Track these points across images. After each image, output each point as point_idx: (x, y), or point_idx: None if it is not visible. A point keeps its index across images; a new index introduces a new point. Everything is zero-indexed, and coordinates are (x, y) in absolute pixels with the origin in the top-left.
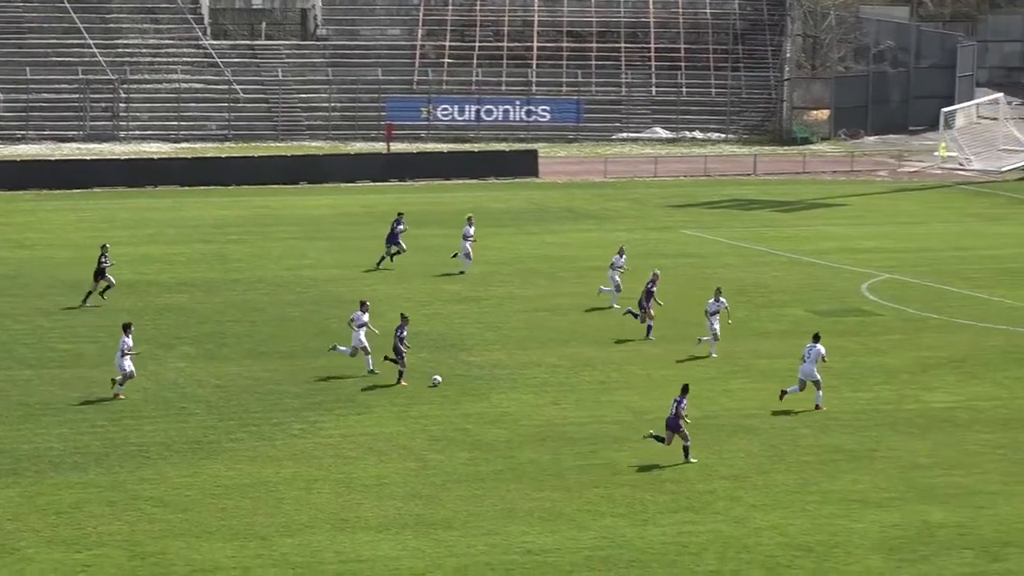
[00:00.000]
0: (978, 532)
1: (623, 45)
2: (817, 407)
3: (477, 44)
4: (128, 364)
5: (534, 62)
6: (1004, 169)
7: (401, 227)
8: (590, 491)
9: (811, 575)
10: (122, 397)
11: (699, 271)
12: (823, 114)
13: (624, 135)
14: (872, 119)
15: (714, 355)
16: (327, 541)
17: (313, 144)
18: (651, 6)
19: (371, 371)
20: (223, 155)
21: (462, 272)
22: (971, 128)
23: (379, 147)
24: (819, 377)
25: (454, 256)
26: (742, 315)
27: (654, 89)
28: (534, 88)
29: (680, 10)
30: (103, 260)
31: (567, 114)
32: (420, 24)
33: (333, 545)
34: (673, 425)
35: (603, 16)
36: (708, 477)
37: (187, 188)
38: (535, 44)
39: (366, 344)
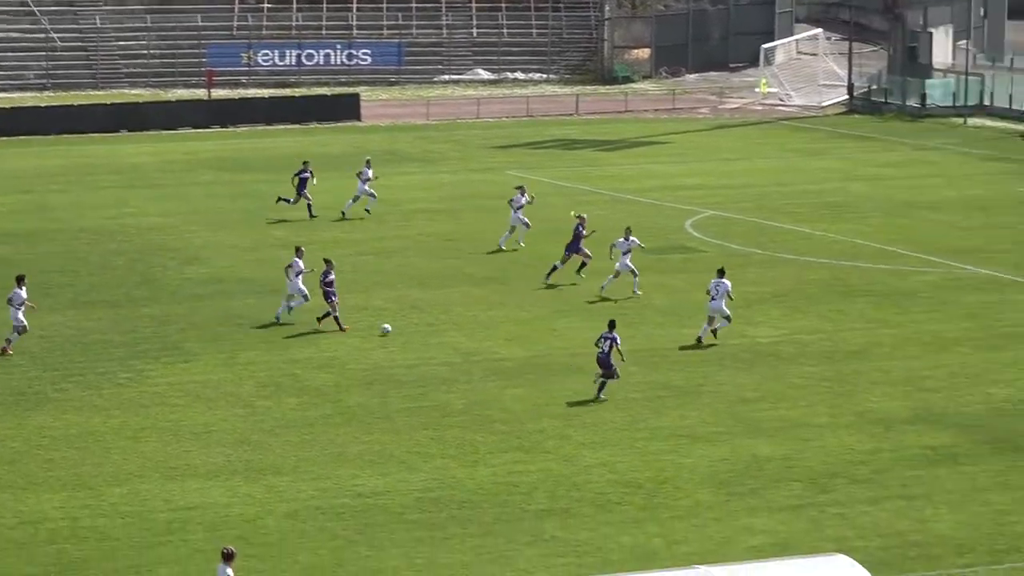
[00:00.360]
0: (805, 464)
1: None
2: (714, 332)
3: None
4: (21, 316)
5: (354, 5)
6: (824, 104)
7: (307, 174)
8: (419, 433)
9: (641, 511)
10: (11, 353)
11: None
12: (644, 53)
13: (446, 77)
14: (693, 57)
15: (639, 292)
16: (156, 489)
17: (133, 92)
18: None
19: (277, 317)
20: (42, 104)
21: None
22: (791, 64)
23: (200, 94)
24: (728, 312)
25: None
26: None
27: (475, 31)
28: (355, 32)
29: None
30: None
31: (388, 57)
32: None
33: (162, 493)
34: (605, 362)
35: None
36: (537, 416)
37: (5, 138)
38: None
39: (304, 291)
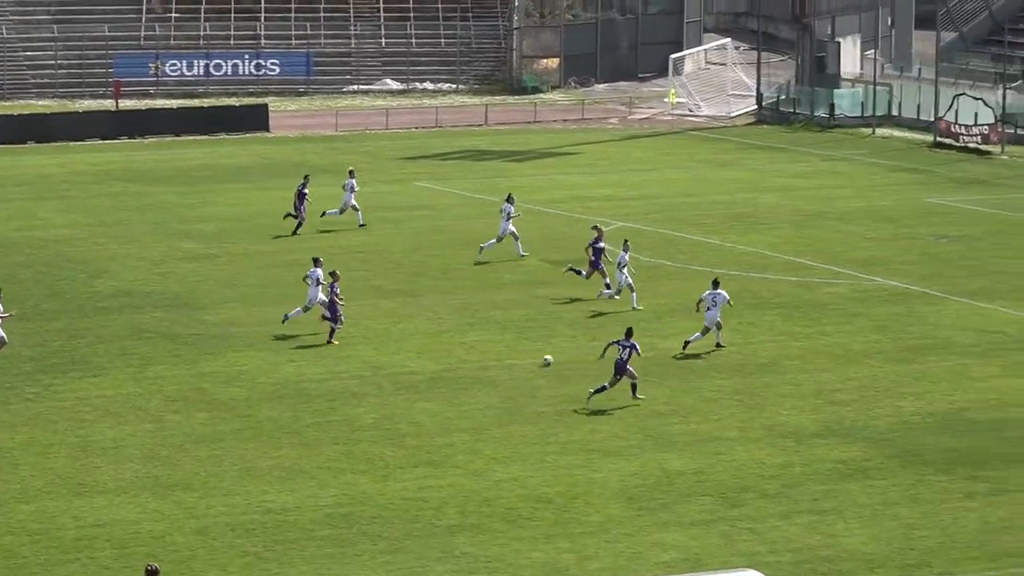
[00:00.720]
0: (716, 478)
1: None
2: (719, 345)
3: None
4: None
5: (262, 15)
6: (733, 114)
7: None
8: (329, 448)
9: (552, 526)
10: None
11: (433, 223)
12: (553, 63)
13: (355, 87)
14: (602, 67)
15: (638, 307)
16: (64, 506)
17: (40, 103)
18: None
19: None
20: None
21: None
22: (700, 74)
23: (108, 104)
24: (720, 320)
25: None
26: (477, 266)
27: (383, 41)
28: (263, 42)
29: None
30: None
31: (297, 67)
32: None
33: (71, 510)
34: (622, 368)
35: None
36: (447, 431)
37: None
38: None
39: (324, 299)
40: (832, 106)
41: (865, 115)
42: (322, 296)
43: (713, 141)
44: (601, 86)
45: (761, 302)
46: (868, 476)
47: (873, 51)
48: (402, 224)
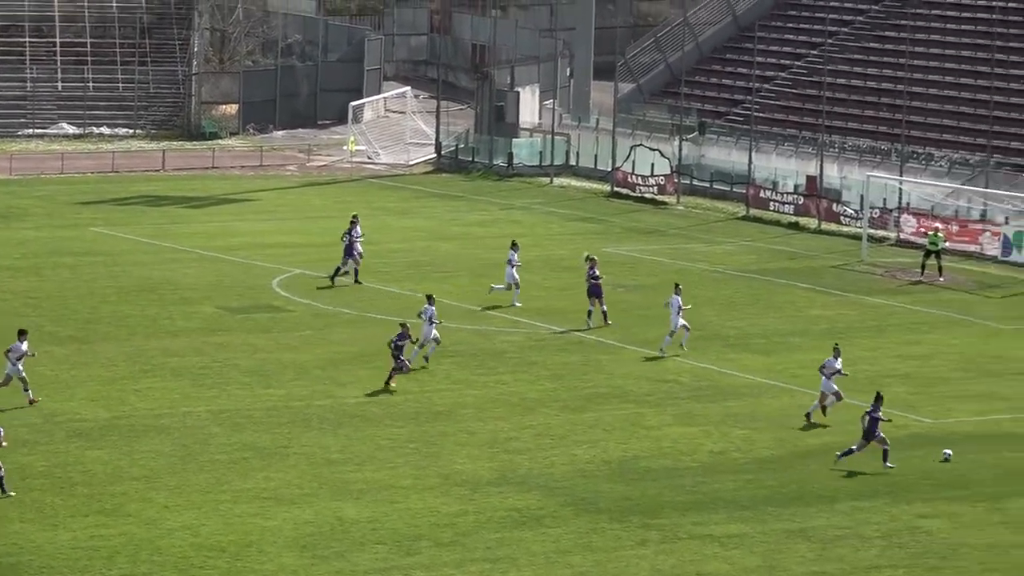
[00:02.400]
0: (391, 526)
1: (27, 39)
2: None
3: None
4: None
5: None
6: (412, 162)
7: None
8: None
9: (225, 575)
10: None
11: (109, 269)
12: (232, 108)
13: (30, 131)
14: (281, 113)
15: (685, 347)
16: None
17: None
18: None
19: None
20: None
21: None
22: (379, 122)
23: None
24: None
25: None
26: (152, 312)
27: (60, 84)
28: None
29: (86, 4)
30: None
31: None
32: None
33: None
34: (872, 434)
35: (6, 10)
36: (119, 479)
37: None
38: None
39: (437, 336)
40: (511, 155)
41: (543, 164)
42: (435, 332)
43: (392, 189)
44: (280, 133)
45: (438, 351)
46: (542, 524)
47: (552, 101)
48: (77, 270)
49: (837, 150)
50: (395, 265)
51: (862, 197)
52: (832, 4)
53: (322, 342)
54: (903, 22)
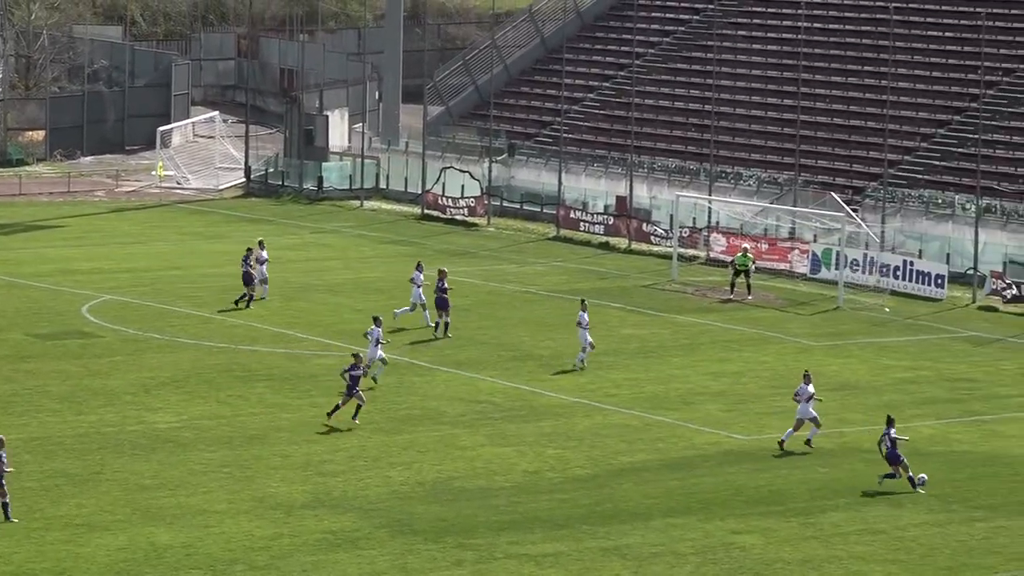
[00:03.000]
0: (205, 551)
1: None
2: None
3: None
4: None
5: None
6: (222, 187)
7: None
8: None
9: None
10: None
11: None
12: (39, 135)
13: None
14: (88, 139)
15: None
16: None
17: None
18: None
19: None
20: None
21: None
22: (188, 147)
23: None
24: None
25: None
26: None
27: None
28: None
29: None
30: None
31: None
32: None
33: None
34: (895, 459)
35: None
36: None
37: None
38: None
39: (383, 356)
40: (320, 179)
41: (354, 188)
42: (380, 353)
43: (202, 214)
44: (88, 159)
45: (250, 374)
46: (358, 546)
47: (361, 124)
48: None
49: (646, 170)
50: (206, 290)
51: (672, 217)
52: (640, 26)
53: (133, 367)
54: (709, 43)
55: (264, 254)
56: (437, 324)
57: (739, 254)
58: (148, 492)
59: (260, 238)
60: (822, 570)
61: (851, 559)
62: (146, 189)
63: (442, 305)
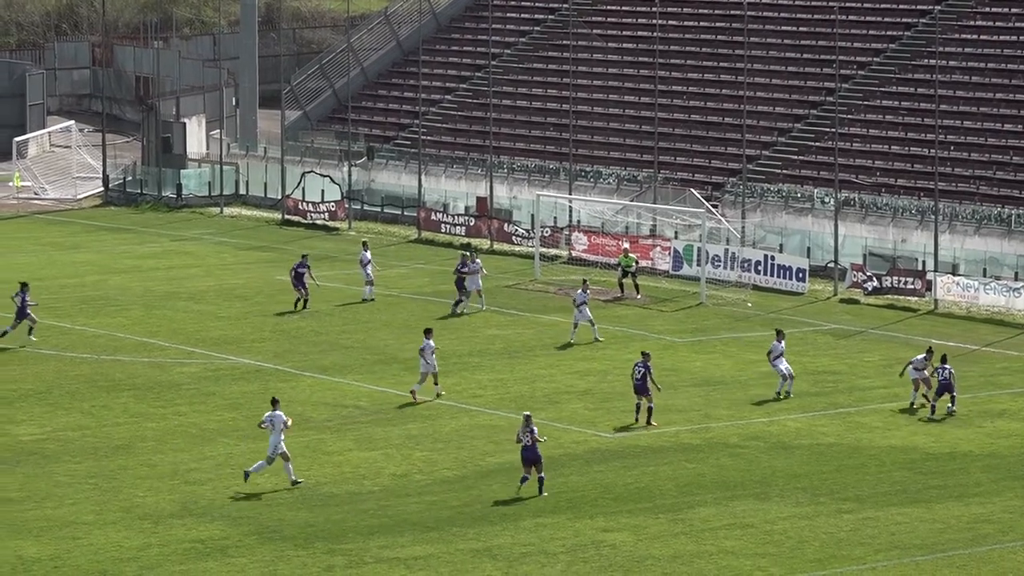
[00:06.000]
0: (73, 563)
1: None
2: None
3: None
4: None
5: None
6: (80, 197)
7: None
8: None
9: None
10: None
11: None
12: None
13: None
14: None
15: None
16: None
17: None
18: None
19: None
20: None
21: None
22: (45, 157)
23: None
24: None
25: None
26: None
27: None
28: None
29: None
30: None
31: None
32: None
33: None
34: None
35: None
36: None
37: None
38: None
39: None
40: (179, 186)
41: (213, 194)
42: (435, 363)
43: (60, 224)
44: None
45: (114, 384)
46: (227, 554)
47: (219, 131)
48: None
49: (506, 170)
50: (66, 300)
51: (533, 216)
52: (495, 26)
53: None
54: (565, 42)
55: (367, 255)
56: (460, 301)
57: (621, 255)
58: (14, 505)
59: (364, 239)
60: (692, 565)
61: (721, 554)
62: (3, 200)
63: (459, 285)
